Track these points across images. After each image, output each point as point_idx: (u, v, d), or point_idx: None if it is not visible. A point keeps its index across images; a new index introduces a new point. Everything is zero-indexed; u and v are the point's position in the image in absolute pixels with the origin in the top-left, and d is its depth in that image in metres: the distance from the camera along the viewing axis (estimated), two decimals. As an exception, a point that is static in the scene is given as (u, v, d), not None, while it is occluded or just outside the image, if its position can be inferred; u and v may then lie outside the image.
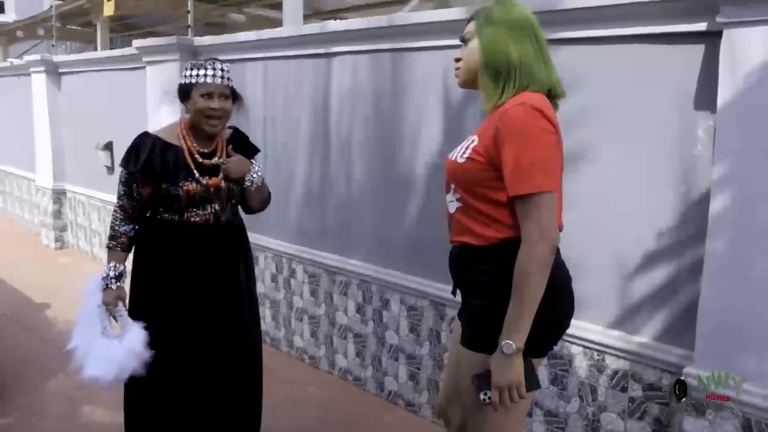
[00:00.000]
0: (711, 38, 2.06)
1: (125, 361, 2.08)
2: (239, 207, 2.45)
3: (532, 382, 1.55)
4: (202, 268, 2.27)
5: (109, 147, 5.52)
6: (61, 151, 6.38)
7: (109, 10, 6.59)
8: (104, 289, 2.19)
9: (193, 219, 2.25)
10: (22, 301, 4.70)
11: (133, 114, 5.06)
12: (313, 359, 3.68)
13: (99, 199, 5.83)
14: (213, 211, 2.26)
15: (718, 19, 1.97)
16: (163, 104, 4.53)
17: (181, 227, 2.26)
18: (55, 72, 6.26)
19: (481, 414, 1.63)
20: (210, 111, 2.19)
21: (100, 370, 2.09)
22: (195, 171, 2.22)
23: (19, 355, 3.72)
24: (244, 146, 2.41)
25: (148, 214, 2.31)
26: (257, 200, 2.42)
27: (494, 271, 1.58)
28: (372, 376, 3.34)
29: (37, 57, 6.33)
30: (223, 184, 2.26)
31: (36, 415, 3.04)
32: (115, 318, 2.20)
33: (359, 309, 3.38)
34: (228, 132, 2.39)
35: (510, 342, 1.49)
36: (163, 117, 4.51)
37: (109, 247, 2.27)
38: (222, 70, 2.21)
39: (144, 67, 4.73)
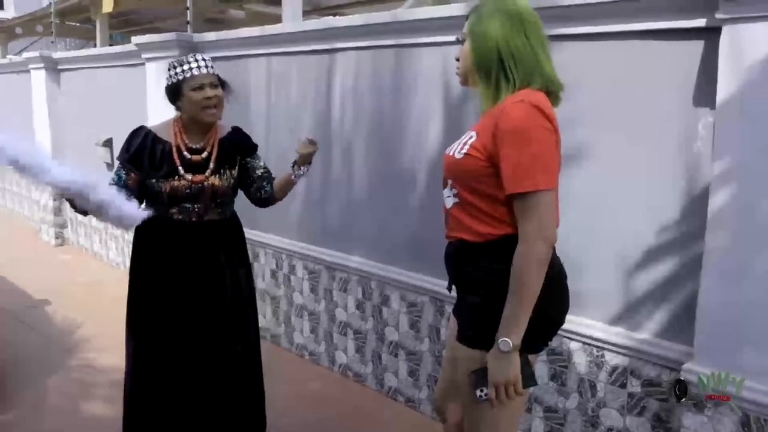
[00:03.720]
0: (710, 34, 2.06)
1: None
2: (255, 200, 2.45)
3: (528, 379, 1.56)
4: (183, 266, 2.29)
5: (108, 144, 5.51)
6: (60, 147, 6.37)
7: (108, 6, 6.58)
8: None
9: (176, 216, 2.27)
10: (22, 298, 4.70)
11: (132, 110, 5.05)
12: (314, 355, 3.69)
13: (99, 195, 5.83)
14: (196, 209, 2.27)
15: (718, 15, 1.97)
16: (163, 100, 4.52)
17: (164, 224, 2.28)
18: (54, 69, 6.25)
19: (477, 410, 1.64)
20: (206, 101, 2.21)
21: None
22: (180, 167, 2.23)
23: (19, 351, 3.73)
24: (241, 143, 2.41)
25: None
26: (282, 195, 2.44)
27: (491, 268, 1.58)
28: (372, 372, 3.35)
29: (36, 54, 6.32)
30: (207, 183, 2.25)
31: (37, 411, 3.05)
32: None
33: (359, 305, 3.38)
34: (225, 129, 2.40)
35: (507, 339, 1.49)
36: (163, 113, 4.51)
37: None
38: (204, 59, 2.24)
39: (143, 64, 4.73)
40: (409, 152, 3.07)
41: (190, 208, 2.26)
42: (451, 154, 1.66)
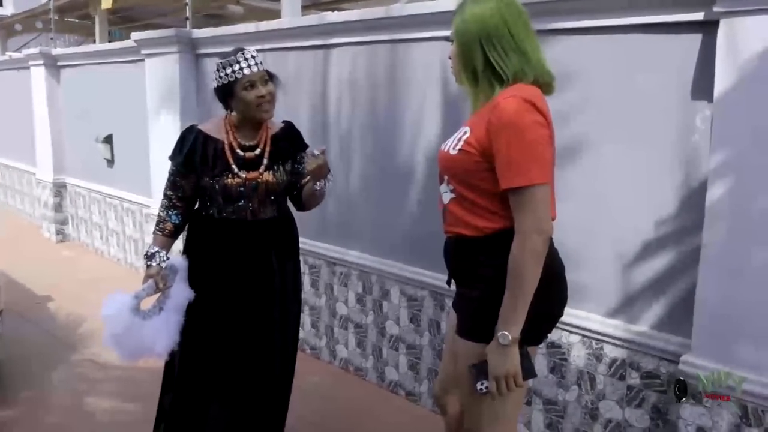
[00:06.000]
0: (708, 28, 2.06)
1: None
2: (291, 203, 2.44)
3: (528, 371, 1.57)
4: (235, 265, 2.28)
5: (109, 140, 5.53)
6: (61, 144, 6.38)
7: (107, 2, 6.59)
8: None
9: (230, 215, 2.26)
10: (24, 294, 4.72)
11: (132, 107, 5.07)
12: (315, 350, 3.71)
13: (99, 192, 5.84)
14: (250, 207, 2.25)
15: (715, 9, 1.97)
16: (164, 97, 4.53)
17: (219, 223, 2.27)
18: (54, 65, 6.25)
19: (478, 403, 1.65)
20: (259, 99, 2.18)
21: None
22: (234, 165, 2.22)
23: (22, 347, 3.74)
24: (293, 141, 2.38)
25: (195, 208, 2.34)
26: (313, 204, 2.41)
27: (489, 262, 1.59)
28: (373, 366, 3.36)
29: (35, 50, 6.32)
30: (260, 180, 2.23)
31: (41, 408, 3.07)
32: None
33: (359, 300, 3.40)
34: (277, 125, 2.37)
35: (506, 332, 1.51)
36: (163, 109, 4.52)
37: (153, 233, 2.31)
38: (253, 57, 2.18)
39: (143, 60, 4.73)
40: (407, 146, 3.08)
41: (243, 207, 2.25)
42: (446, 150, 1.66)
